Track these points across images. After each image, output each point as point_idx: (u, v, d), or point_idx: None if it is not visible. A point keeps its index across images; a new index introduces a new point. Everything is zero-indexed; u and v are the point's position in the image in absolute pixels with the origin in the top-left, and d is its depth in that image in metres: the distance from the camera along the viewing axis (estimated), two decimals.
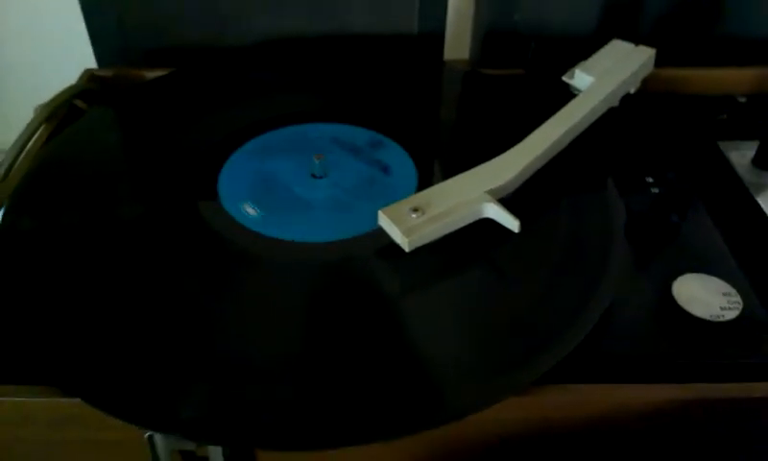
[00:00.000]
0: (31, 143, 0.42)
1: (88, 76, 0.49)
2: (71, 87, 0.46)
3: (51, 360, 0.28)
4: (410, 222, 0.32)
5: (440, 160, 0.40)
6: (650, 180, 0.39)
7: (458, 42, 0.55)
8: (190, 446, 0.28)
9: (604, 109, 0.41)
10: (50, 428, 0.28)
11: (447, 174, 0.35)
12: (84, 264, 0.33)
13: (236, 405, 0.26)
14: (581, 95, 0.41)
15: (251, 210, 0.35)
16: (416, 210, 0.32)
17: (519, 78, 0.48)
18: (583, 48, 0.45)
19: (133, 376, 0.28)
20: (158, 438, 0.27)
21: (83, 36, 0.52)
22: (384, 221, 0.33)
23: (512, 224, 0.32)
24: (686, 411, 0.28)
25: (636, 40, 0.45)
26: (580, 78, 0.43)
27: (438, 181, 0.35)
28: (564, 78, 0.43)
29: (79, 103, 0.46)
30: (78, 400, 0.27)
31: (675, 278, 0.32)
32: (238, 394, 0.27)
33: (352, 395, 0.27)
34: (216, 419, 0.26)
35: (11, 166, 0.40)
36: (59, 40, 0.56)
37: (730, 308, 0.31)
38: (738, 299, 0.31)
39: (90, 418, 0.27)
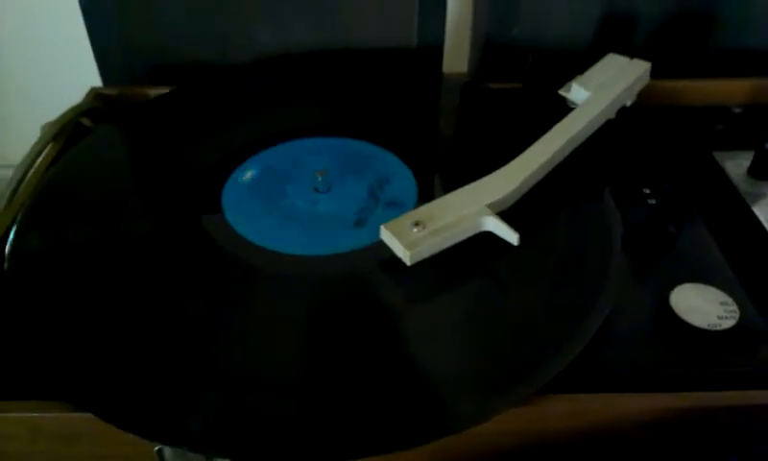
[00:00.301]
0: (38, 161, 0.42)
1: (94, 94, 0.50)
2: (77, 106, 0.47)
3: (62, 375, 0.29)
4: (411, 236, 0.33)
5: (440, 174, 0.41)
6: (647, 191, 0.40)
7: (456, 55, 0.56)
8: (200, 459, 0.28)
9: (601, 122, 0.42)
10: (61, 443, 0.29)
11: (447, 187, 0.36)
12: (92, 281, 0.33)
13: (244, 418, 0.27)
14: (578, 109, 0.41)
15: (248, 174, 0.36)
16: (417, 224, 0.33)
17: (517, 91, 0.49)
18: (579, 62, 0.45)
19: (143, 390, 0.28)
20: (167, 452, 0.28)
21: (88, 55, 0.53)
22: (386, 235, 0.33)
23: (511, 237, 0.33)
24: (685, 419, 0.29)
25: (632, 54, 0.45)
26: (576, 91, 0.43)
27: (438, 194, 0.35)
28: (560, 91, 0.44)
29: (85, 121, 0.47)
30: (88, 414, 0.27)
31: (672, 288, 0.33)
32: (246, 407, 0.27)
33: (356, 408, 0.27)
34: (224, 432, 0.26)
35: (19, 184, 0.40)
36: (64, 59, 0.57)
37: (726, 317, 0.31)
38: (735, 308, 0.32)
39: (101, 432, 0.27)
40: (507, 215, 0.34)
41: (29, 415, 0.28)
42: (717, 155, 0.43)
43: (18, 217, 0.37)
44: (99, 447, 0.29)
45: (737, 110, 0.47)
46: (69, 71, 0.55)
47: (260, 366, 0.29)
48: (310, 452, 0.26)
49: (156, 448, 0.28)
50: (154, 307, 0.32)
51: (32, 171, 0.41)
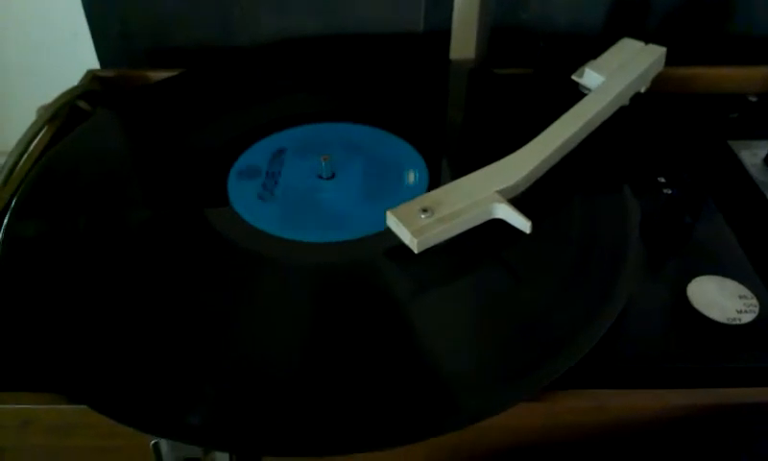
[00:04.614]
0: (34, 144, 0.41)
1: (91, 77, 0.49)
2: (74, 89, 0.46)
3: (56, 366, 0.28)
4: (419, 222, 0.32)
5: (449, 159, 0.40)
6: (662, 180, 0.39)
7: (464, 41, 0.55)
8: (197, 453, 0.27)
9: (615, 108, 0.40)
10: (56, 435, 0.28)
11: (457, 173, 0.34)
12: (89, 269, 0.32)
13: (243, 411, 0.26)
14: (592, 94, 0.40)
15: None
16: (425, 211, 0.32)
17: (528, 76, 0.48)
18: (590, 47, 0.44)
19: (140, 382, 0.27)
20: (164, 445, 0.27)
21: (86, 37, 0.52)
22: (392, 221, 0.32)
23: (523, 224, 0.32)
24: (703, 416, 0.28)
25: (645, 38, 0.44)
26: (590, 76, 0.42)
27: (447, 181, 0.34)
28: (573, 76, 0.43)
29: (82, 104, 0.45)
30: (82, 406, 0.26)
31: (690, 280, 0.32)
32: (245, 399, 0.26)
33: (361, 400, 0.26)
34: (224, 424, 0.25)
35: (13, 168, 0.39)
36: (61, 41, 0.56)
37: (746, 311, 0.30)
38: (755, 301, 0.31)
39: (96, 425, 0.27)
40: (518, 202, 0.33)
41: (20, 406, 0.27)
42: (733, 144, 0.42)
43: (12, 203, 0.36)
44: (94, 439, 0.28)
45: (753, 99, 0.46)
46: (67, 54, 0.54)
47: (262, 357, 0.28)
48: (313, 445, 0.25)
49: (153, 442, 0.27)
50: (152, 297, 0.31)
51: (26, 155, 0.40)
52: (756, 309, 0.30)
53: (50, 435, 0.28)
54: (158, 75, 0.48)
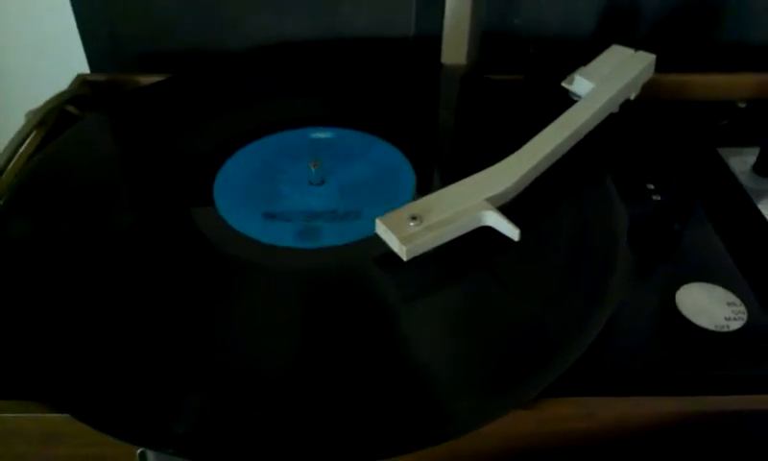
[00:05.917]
0: (22, 149, 0.41)
1: (80, 81, 0.48)
2: (62, 93, 0.45)
3: (40, 374, 0.27)
4: (408, 230, 0.31)
5: (439, 166, 0.40)
6: (651, 187, 0.39)
7: (455, 46, 0.55)
8: None
9: (604, 115, 0.40)
10: (39, 444, 0.28)
11: (446, 179, 0.34)
12: (75, 275, 0.32)
13: (232, 421, 0.26)
14: (581, 101, 0.40)
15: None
16: (414, 218, 0.32)
17: (518, 83, 0.48)
18: (581, 53, 0.44)
19: (125, 390, 0.27)
20: (151, 454, 0.27)
21: (75, 41, 0.52)
22: (381, 229, 0.32)
23: (511, 232, 0.32)
24: (692, 423, 0.28)
25: (635, 45, 0.44)
26: (580, 83, 0.42)
27: (437, 187, 0.34)
28: (563, 83, 0.43)
29: (71, 108, 0.45)
30: (67, 415, 0.26)
31: (678, 287, 0.32)
32: (234, 409, 0.26)
33: (349, 411, 0.26)
34: (211, 435, 0.25)
35: (1, 173, 0.39)
36: (51, 45, 0.55)
37: (734, 319, 0.30)
38: (743, 309, 0.31)
39: (81, 434, 0.26)
40: (507, 210, 0.33)
41: (5, 415, 0.27)
42: (722, 150, 0.42)
43: None
44: (81, 448, 0.28)
45: (742, 105, 0.46)
46: (57, 58, 0.54)
47: (249, 366, 0.28)
48: (300, 457, 0.25)
49: (139, 451, 0.26)
50: (138, 303, 0.31)
51: (14, 159, 0.40)
52: (745, 316, 0.30)
53: (37, 444, 0.28)
54: (149, 79, 0.48)
